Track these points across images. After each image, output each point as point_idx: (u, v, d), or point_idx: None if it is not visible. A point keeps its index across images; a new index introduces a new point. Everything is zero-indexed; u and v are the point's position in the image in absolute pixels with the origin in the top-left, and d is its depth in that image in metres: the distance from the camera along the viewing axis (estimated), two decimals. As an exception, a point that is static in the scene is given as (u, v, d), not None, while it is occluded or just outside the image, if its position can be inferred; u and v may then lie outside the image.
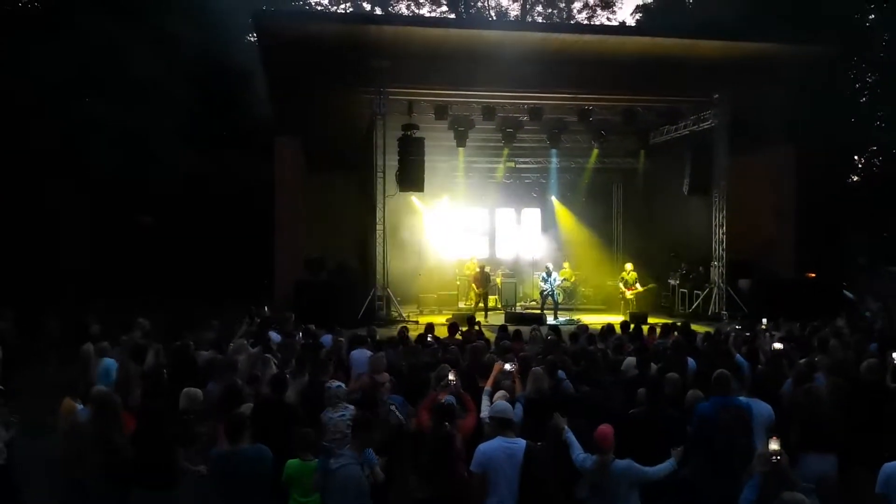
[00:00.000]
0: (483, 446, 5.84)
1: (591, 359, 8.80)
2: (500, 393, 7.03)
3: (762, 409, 7.07)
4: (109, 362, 9.06)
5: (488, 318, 19.01)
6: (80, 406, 7.22)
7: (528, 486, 5.61)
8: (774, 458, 5.15)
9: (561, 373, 8.14)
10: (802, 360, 8.58)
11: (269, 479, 5.93)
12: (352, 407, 6.52)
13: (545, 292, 20.35)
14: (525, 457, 5.67)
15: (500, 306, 21.43)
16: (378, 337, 11.29)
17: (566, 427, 6.30)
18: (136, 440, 6.36)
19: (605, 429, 5.93)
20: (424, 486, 5.82)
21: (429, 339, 11.10)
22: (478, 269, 20.64)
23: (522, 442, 5.80)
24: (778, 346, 9.06)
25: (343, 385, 7.00)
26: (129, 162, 18.32)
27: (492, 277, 20.86)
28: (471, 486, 5.73)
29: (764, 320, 12.29)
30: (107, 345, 9.61)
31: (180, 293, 18.06)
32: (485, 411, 6.89)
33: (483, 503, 5.71)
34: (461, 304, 22.02)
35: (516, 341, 11.14)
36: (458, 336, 11.66)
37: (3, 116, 16.60)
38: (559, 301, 20.92)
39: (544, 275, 20.43)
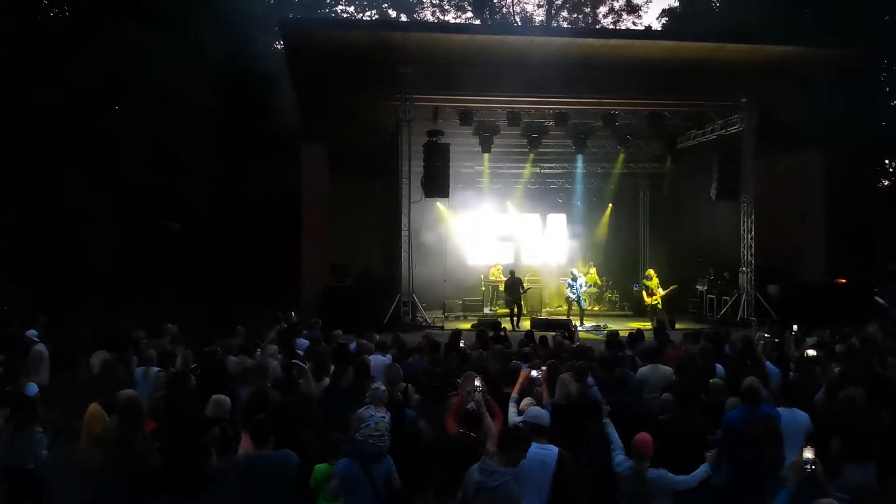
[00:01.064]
0: None
1: (620, 365, 8.73)
2: (527, 400, 7.00)
3: (799, 417, 6.96)
4: (140, 370, 9.14)
5: (519, 326, 18.70)
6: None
7: (560, 493, 5.58)
8: (809, 466, 5.08)
9: (590, 379, 8.10)
10: (836, 368, 8.47)
11: (293, 483, 5.95)
12: (388, 412, 6.51)
13: (571, 298, 20.26)
14: (558, 464, 5.64)
15: (525, 312, 21.35)
16: (405, 343, 11.25)
17: (609, 422, 6.24)
18: (164, 445, 6.40)
19: (645, 436, 5.91)
20: (442, 496, 5.79)
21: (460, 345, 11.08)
22: (508, 276, 20.18)
23: (555, 449, 5.77)
24: (811, 352, 8.93)
25: (384, 388, 6.99)
26: (157, 168, 18.50)
27: (524, 283, 20.30)
28: None
29: (794, 326, 12.14)
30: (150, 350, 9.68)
31: (207, 299, 18.21)
32: (512, 418, 6.86)
33: None
34: (487, 310, 21.97)
35: (542, 347, 11.11)
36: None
37: (34, 124, 16.84)
38: (585, 307, 20.80)
39: (570, 280, 20.33)
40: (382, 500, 5.81)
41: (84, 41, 17.56)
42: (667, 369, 8.87)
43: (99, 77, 17.42)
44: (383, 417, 5.96)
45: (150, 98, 18.51)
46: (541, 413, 6.04)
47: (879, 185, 27.77)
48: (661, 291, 20.25)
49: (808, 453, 5.13)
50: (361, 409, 6.16)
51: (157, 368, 9.16)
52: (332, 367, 8.56)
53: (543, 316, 20.88)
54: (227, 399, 7.09)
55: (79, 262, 19.13)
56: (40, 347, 11.70)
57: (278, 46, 21.84)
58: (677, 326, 17.41)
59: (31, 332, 12.18)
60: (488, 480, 5.10)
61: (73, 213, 17.72)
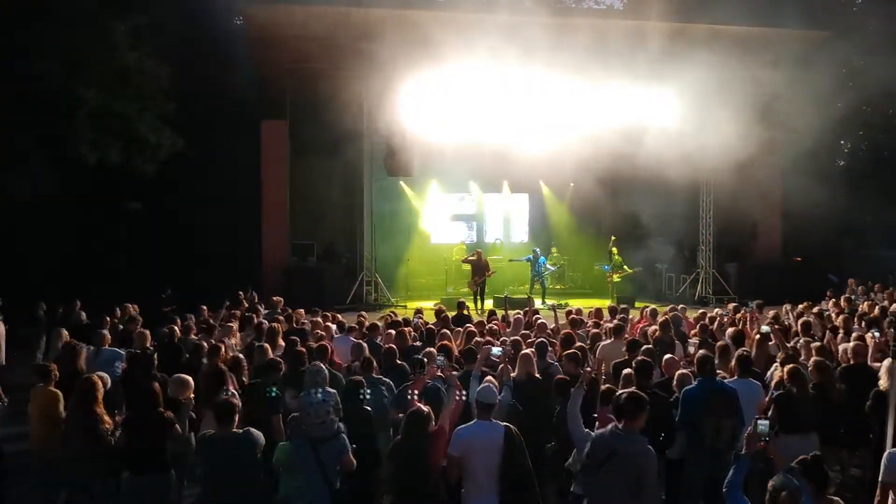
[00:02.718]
0: (461, 429, 5.84)
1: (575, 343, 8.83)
2: (488, 377, 7.06)
3: (752, 388, 7.16)
4: (108, 352, 9.02)
5: (483, 307, 18.41)
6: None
7: (508, 469, 5.62)
8: (763, 439, 5.19)
9: (550, 355, 8.19)
10: (789, 344, 8.67)
11: (258, 462, 5.95)
12: (334, 391, 6.51)
13: (533, 276, 20.36)
14: (505, 441, 5.67)
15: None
16: (366, 322, 11.27)
17: (576, 396, 6.26)
18: (126, 425, 6.36)
19: (607, 415, 5.93)
20: (399, 468, 5.83)
21: (417, 323, 11.16)
22: (474, 257, 19.73)
23: (502, 426, 5.80)
24: (765, 328, 9.13)
25: (324, 368, 6.98)
26: (114, 147, 18.17)
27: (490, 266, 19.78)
28: (447, 469, 5.74)
29: (751, 303, 12.36)
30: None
31: (167, 279, 17.99)
32: (473, 395, 6.92)
33: (458, 486, 5.74)
34: (449, 290, 22.00)
35: (504, 325, 11.21)
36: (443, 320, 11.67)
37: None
38: (547, 286, 20.93)
39: (531, 257, 20.43)
40: (332, 480, 5.82)
41: (38, 18, 17.08)
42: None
43: (56, 55, 16.99)
44: (325, 400, 5.92)
45: (108, 77, 18.11)
46: (489, 390, 6.09)
47: (835, 164, 28.25)
48: (627, 270, 20.31)
49: (763, 426, 5.24)
50: (303, 395, 6.15)
51: (113, 349, 9.08)
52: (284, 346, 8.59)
53: (506, 295, 20.92)
54: (189, 378, 7.05)
55: (38, 245, 18.78)
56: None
57: (238, 22, 21.45)
58: (637, 304, 17.61)
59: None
60: (624, 446, 5.20)
61: (31, 196, 17.33)
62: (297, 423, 6.10)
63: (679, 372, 7.39)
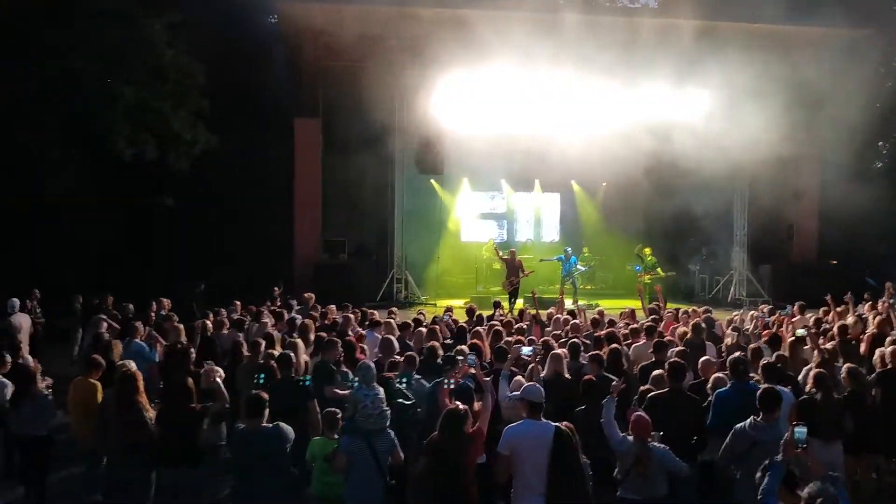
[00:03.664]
0: (511, 428, 5.81)
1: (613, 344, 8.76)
2: (518, 378, 7.03)
3: (784, 396, 7.03)
4: (137, 345, 9.15)
5: (514, 307, 17.51)
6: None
7: (558, 470, 5.56)
8: (801, 446, 5.11)
9: (584, 357, 8.14)
10: (823, 347, 8.53)
11: (288, 456, 5.99)
12: (381, 389, 6.55)
13: (564, 276, 20.22)
14: (555, 440, 5.62)
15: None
16: (397, 319, 11.29)
17: (611, 399, 6.26)
18: (161, 418, 6.43)
19: (643, 418, 5.93)
20: (434, 467, 5.82)
21: (449, 321, 11.17)
22: (508, 257, 18.88)
23: (553, 425, 5.74)
24: (801, 332, 8.98)
25: (373, 366, 7.01)
26: (149, 143, 18.39)
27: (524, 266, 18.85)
28: (495, 467, 5.75)
29: (788, 306, 12.19)
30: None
31: (200, 274, 18.18)
32: (503, 394, 6.90)
33: (508, 485, 5.72)
34: (480, 288, 21.96)
35: (536, 325, 11.16)
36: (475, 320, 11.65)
37: (25, 97, 16.69)
38: (578, 286, 20.76)
39: (562, 257, 20.29)
40: (385, 474, 5.91)
41: (77, 15, 17.33)
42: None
43: (93, 52, 17.23)
44: (377, 394, 6.05)
45: (144, 74, 18.34)
46: (536, 389, 6.03)
47: (873, 166, 27.78)
48: (660, 272, 20.04)
49: (800, 433, 5.15)
50: (354, 390, 6.21)
51: (141, 343, 9.20)
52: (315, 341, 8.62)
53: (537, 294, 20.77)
54: (221, 371, 7.11)
55: (74, 240, 19.08)
56: (17, 318, 11.73)
57: (272, 20, 21.59)
58: (668, 306, 17.42)
59: (12, 302, 12.14)
60: (764, 436, 5.72)
61: (65, 190, 17.61)
62: (349, 418, 6.16)
63: (714, 375, 7.30)
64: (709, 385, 7.20)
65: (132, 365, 7.22)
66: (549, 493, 5.53)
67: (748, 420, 5.93)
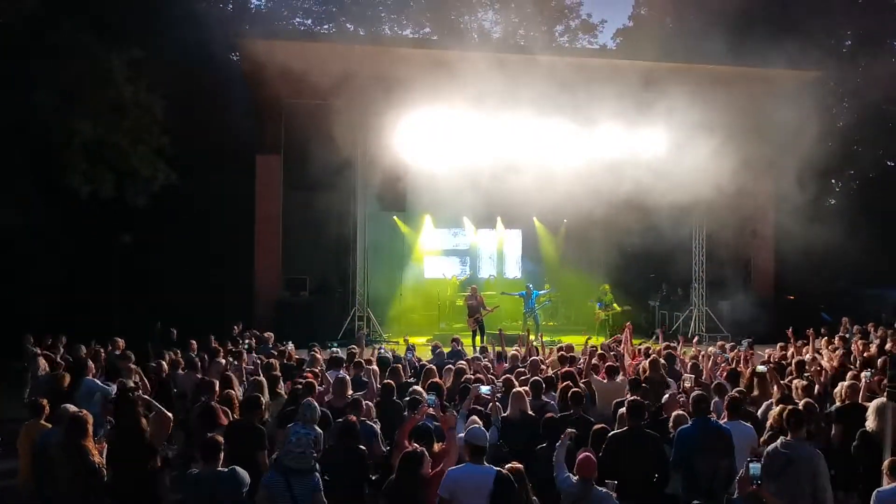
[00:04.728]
0: (452, 471, 5.76)
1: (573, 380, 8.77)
2: (473, 418, 6.97)
3: (744, 431, 7.06)
4: (90, 382, 8.92)
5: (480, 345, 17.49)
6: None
7: None
8: (755, 482, 5.13)
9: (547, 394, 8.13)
10: (782, 382, 8.60)
11: (243, 501, 5.86)
12: (319, 430, 6.42)
13: (526, 312, 20.27)
14: (495, 484, 5.55)
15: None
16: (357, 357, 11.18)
17: (565, 440, 6.24)
18: (112, 459, 6.27)
19: (588, 458, 5.84)
20: None
21: (411, 360, 11.10)
22: (469, 294, 18.97)
23: (493, 470, 5.69)
24: (762, 368, 9.05)
25: (315, 404, 6.88)
26: (107, 179, 18.18)
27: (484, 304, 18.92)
28: None
29: (744, 342, 12.33)
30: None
31: (158, 313, 17.88)
32: (460, 434, 6.84)
33: None
34: (442, 325, 21.92)
35: (499, 363, 11.13)
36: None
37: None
38: (540, 322, 20.78)
39: (524, 293, 20.37)
40: None
41: (36, 49, 17.16)
42: (622, 384, 8.98)
43: (51, 86, 17.06)
44: (308, 434, 5.91)
45: (103, 109, 18.17)
46: (479, 433, 6.01)
47: (827, 204, 28.44)
48: (616, 308, 20.34)
49: (755, 469, 5.18)
50: (289, 426, 6.11)
51: (93, 381, 8.99)
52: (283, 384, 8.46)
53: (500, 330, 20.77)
54: (169, 415, 6.96)
55: (27, 276, 18.69)
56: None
57: (234, 57, 21.60)
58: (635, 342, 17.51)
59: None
60: (797, 453, 6.00)
61: (21, 226, 17.30)
62: (277, 454, 6.07)
63: (675, 413, 7.32)
64: (670, 423, 7.21)
65: (72, 407, 7.04)
66: None
67: (779, 441, 6.25)
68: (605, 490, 5.77)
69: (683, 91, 17.76)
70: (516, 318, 21.80)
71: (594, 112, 18.47)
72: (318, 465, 5.96)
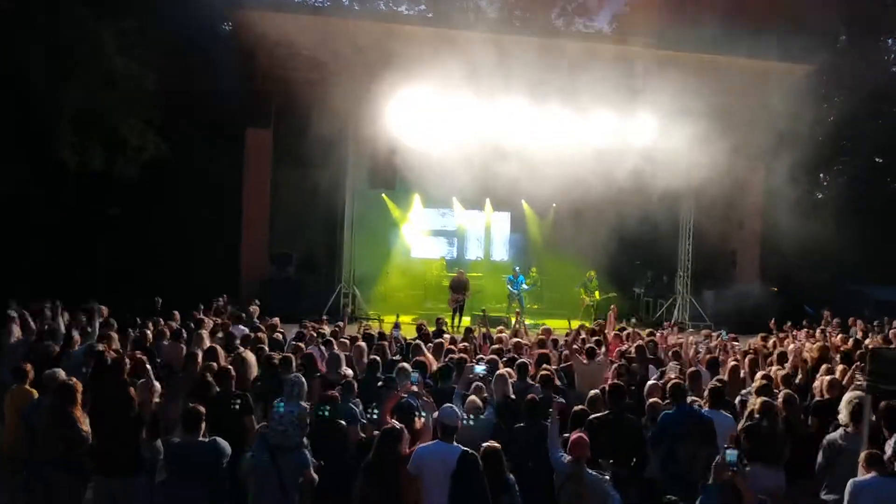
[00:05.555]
0: (419, 449, 5.86)
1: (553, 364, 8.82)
2: (472, 397, 7.02)
3: (723, 420, 7.15)
4: (79, 353, 8.89)
5: (461, 325, 18.06)
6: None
7: (458, 491, 5.54)
8: (731, 469, 5.19)
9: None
10: (761, 374, 8.68)
11: (224, 471, 5.89)
12: (305, 405, 6.42)
13: (513, 295, 20.35)
14: (458, 463, 5.59)
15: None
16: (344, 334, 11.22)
17: (553, 419, 6.31)
18: (97, 426, 6.28)
19: (581, 438, 5.94)
20: (370, 487, 5.79)
21: (395, 337, 11.12)
22: (456, 275, 19.63)
23: (459, 449, 5.75)
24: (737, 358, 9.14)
25: (303, 379, 6.89)
26: (96, 150, 18.02)
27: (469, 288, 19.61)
28: (408, 486, 5.75)
29: (723, 332, 12.43)
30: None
31: (144, 284, 17.79)
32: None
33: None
34: (428, 304, 21.95)
35: (485, 344, 11.17)
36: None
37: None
38: (525, 305, 20.88)
39: (510, 277, 20.45)
40: (290, 492, 5.80)
41: (27, 15, 16.93)
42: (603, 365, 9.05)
43: (42, 56, 16.85)
44: (292, 411, 5.93)
45: (93, 80, 17.96)
46: (451, 413, 6.08)
47: (815, 196, 28.58)
48: (598, 295, 20.45)
49: (731, 456, 5.24)
50: (275, 402, 6.13)
51: (82, 350, 8.96)
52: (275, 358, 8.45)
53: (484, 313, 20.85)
54: (157, 384, 6.98)
55: (12, 246, 18.51)
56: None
57: (227, 28, 21.40)
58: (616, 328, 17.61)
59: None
60: (853, 445, 6.17)
61: (6, 197, 17.12)
62: (262, 431, 6.08)
63: (652, 400, 7.39)
64: (646, 408, 7.28)
65: (62, 374, 7.03)
66: None
67: (839, 431, 6.55)
68: (596, 473, 5.87)
69: (675, 80, 17.78)
70: (500, 300, 21.87)
71: (586, 97, 18.48)
72: (306, 441, 5.99)
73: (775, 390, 8.16)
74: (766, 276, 22.49)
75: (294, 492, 5.82)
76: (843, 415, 7.18)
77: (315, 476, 5.91)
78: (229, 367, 7.60)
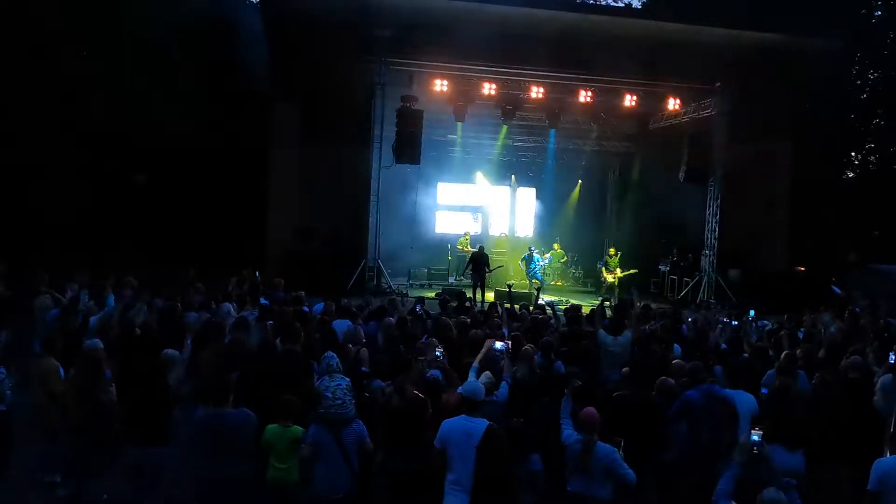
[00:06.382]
0: (446, 423, 5.87)
1: (583, 340, 8.81)
2: (486, 373, 7.04)
3: (746, 399, 7.11)
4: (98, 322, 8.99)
5: (483, 299, 18.14)
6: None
7: (483, 464, 5.58)
8: (754, 449, 5.18)
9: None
10: (785, 353, 8.61)
11: (251, 442, 5.95)
12: (346, 378, 6.46)
13: (530, 273, 20.33)
14: (483, 437, 5.64)
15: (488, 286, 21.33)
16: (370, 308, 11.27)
17: (567, 396, 6.33)
18: (126, 397, 6.37)
19: (591, 410, 5.94)
20: (394, 456, 5.86)
21: (419, 311, 11.15)
22: (476, 250, 19.50)
23: (484, 423, 5.78)
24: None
25: (335, 357, 6.91)
26: (122, 118, 18.12)
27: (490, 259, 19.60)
28: (434, 460, 5.79)
29: (751, 312, 12.33)
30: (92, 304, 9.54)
31: (169, 254, 17.93)
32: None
33: (444, 477, 5.76)
34: (451, 280, 22.00)
35: (508, 318, 11.16)
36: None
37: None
38: (544, 281, 20.79)
39: (525, 256, 20.46)
40: (353, 465, 5.89)
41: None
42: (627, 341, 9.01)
43: (68, 19, 16.92)
44: (339, 384, 6.00)
45: (119, 46, 18.02)
46: (476, 387, 6.09)
47: (844, 176, 28.17)
48: (619, 272, 20.38)
49: (756, 436, 5.24)
50: (317, 382, 6.18)
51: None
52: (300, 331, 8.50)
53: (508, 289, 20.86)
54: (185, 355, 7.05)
55: (39, 214, 18.70)
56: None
57: (255, 0, 21.37)
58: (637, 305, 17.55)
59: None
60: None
61: (33, 164, 17.27)
62: (315, 413, 6.11)
63: (661, 379, 7.34)
64: (655, 391, 7.24)
65: (92, 344, 7.13)
66: (473, 490, 5.59)
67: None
68: (609, 446, 5.86)
69: (706, 56, 17.59)
70: (523, 276, 21.87)
71: (615, 73, 18.36)
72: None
73: (799, 371, 8.11)
74: (795, 256, 22.26)
75: (357, 462, 5.92)
76: (878, 396, 7.15)
77: (371, 445, 6.00)
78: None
